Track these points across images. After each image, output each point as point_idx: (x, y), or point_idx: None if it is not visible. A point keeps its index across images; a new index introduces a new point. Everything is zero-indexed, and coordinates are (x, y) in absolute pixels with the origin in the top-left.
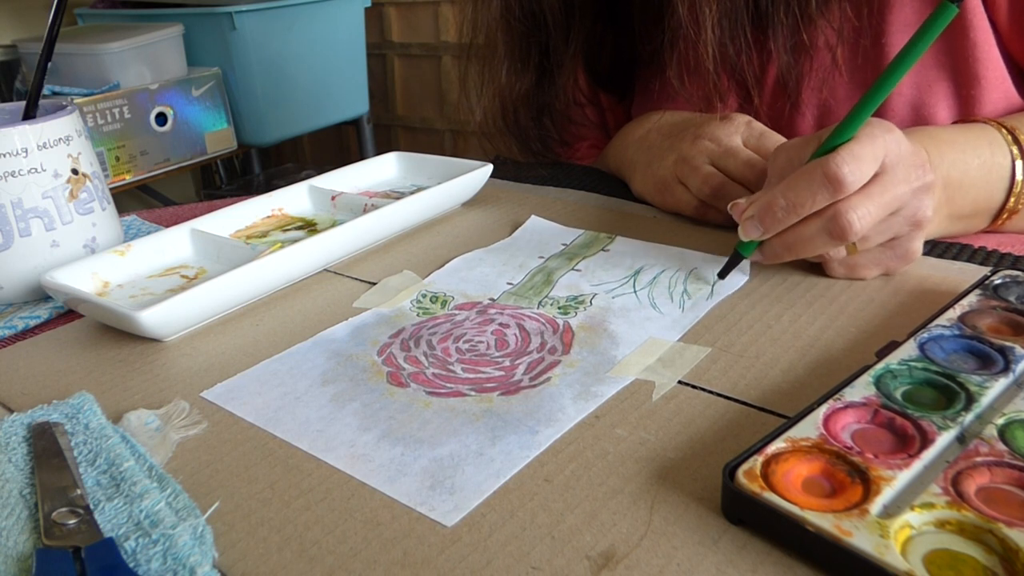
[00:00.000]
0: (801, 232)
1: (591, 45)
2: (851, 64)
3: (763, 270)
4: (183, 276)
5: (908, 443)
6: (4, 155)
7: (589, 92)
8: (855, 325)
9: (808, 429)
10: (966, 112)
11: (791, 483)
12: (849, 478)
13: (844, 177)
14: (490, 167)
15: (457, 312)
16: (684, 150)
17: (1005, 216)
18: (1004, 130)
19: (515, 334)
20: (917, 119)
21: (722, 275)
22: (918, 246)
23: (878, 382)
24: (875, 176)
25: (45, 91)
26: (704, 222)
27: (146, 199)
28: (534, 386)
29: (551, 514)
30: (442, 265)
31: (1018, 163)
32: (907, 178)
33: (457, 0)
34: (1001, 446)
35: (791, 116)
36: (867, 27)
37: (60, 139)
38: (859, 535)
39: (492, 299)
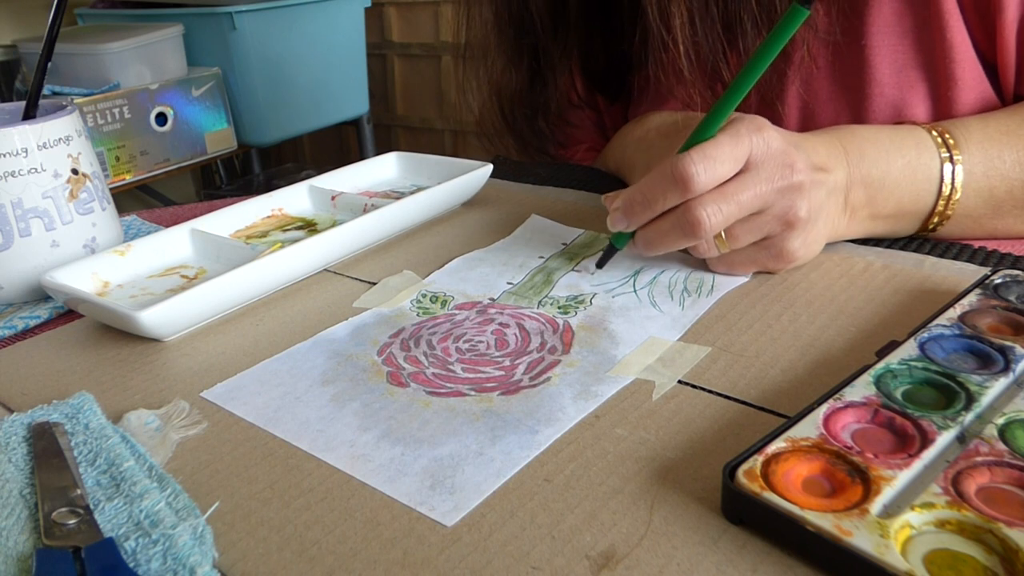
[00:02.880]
0: (659, 227)
1: (584, 47)
2: (832, 66)
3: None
4: (183, 276)
5: (908, 443)
6: (4, 155)
7: (585, 94)
8: (855, 325)
9: (808, 429)
10: (944, 113)
11: (791, 483)
12: (849, 478)
13: (692, 176)
14: (490, 167)
15: (457, 312)
16: None
17: (936, 221)
18: (935, 132)
19: (515, 334)
20: (898, 119)
21: (599, 265)
22: (794, 246)
23: (878, 382)
24: (737, 174)
25: (45, 91)
26: None
27: (146, 199)
28: (534, 386)
29: (551, 514)
30: (442, 265)
31: (947, 167)
32: (771, 177)
33: (454, 1)
34: (1001, 446)
35: (773, 118)
36: (847, 28)
37: (60, 139)
38: (859, 535)
39: (492, 299)
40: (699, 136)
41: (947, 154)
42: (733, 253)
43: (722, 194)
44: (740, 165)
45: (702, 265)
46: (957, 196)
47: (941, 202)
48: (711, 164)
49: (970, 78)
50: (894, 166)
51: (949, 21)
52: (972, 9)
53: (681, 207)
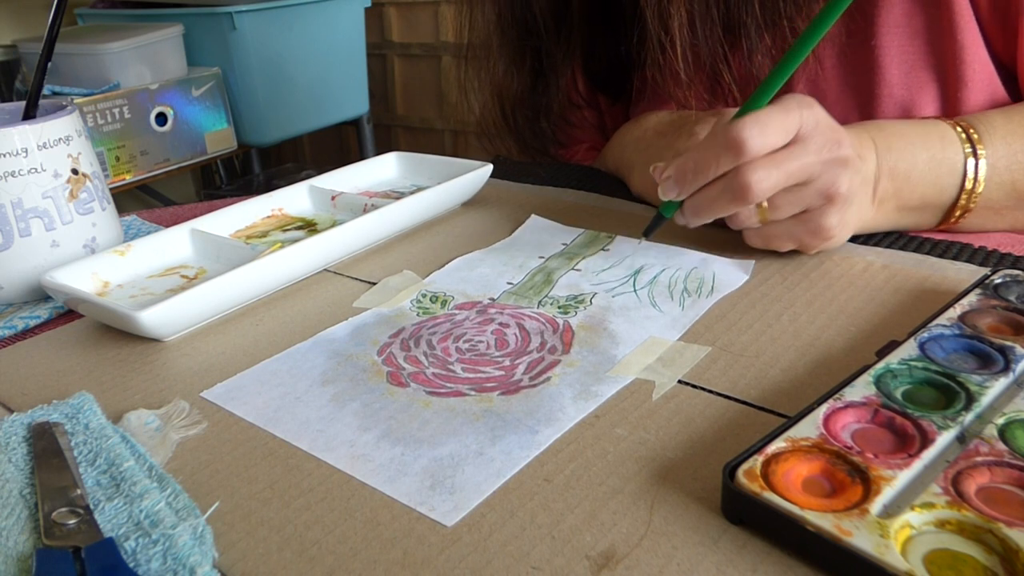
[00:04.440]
0: (708, 193)
1: (586, 48)
2: (840, 66)
3: (762, 269)
4: (183, 276)
5: (908, 443)
6: (4, 155)
7: (587, 94)
8: (855, 325)
9: (808, 429)
10: (953, 114)
11: (791, 483)
12: (849, 478)
13: (745, 141)
14: (490, 167)
15: (457, 312)
16: (680, 148)
17: (959, 214)
18: (959, 128)
19: (515, 334)
20: (904, 119)
21: (646, 234)
22: (832, 222)
23: (878, 382)
24: (786, 145)
25: (45, 91)
26: None
27: (146, 199)
28: (534, 386)
29: (551, 514)
30: (442, 265)
31: (970, 161)
32: (818, 150)
33: (456, 1)
34: (1001, 446)
35: None
36: (856, 29)
37: (60, 139)
38: (859, 535)
39: (492, 299)
40: (750, 108)
41: (971, 149)
42: (771, 226)
43: (772, 161)
44: (790, 136)
45: (702, 264)
46: (980, 189)
47: (964, 195)
48: (763, 130)
49: (980, 79)
50: (920, 159)
51: (960, 22)
52: (990, 10)
53: (731, 172)
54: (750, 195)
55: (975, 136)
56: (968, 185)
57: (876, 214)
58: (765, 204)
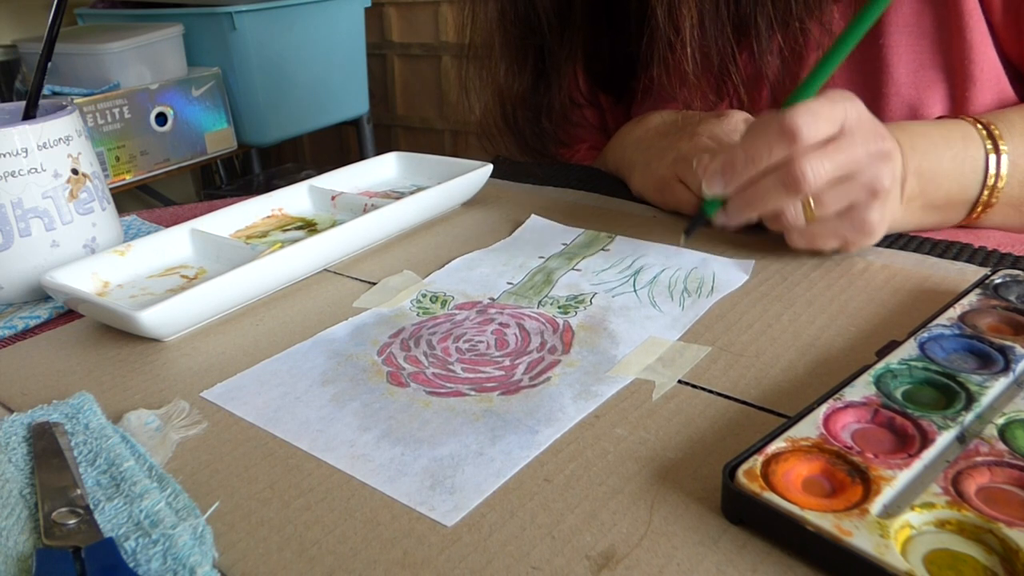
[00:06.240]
0: (759, 186)
1: (589, 46)
2: (849, 66)
3: (762, 269)
4: (183, 276)
5: (908, 443)
6: (4, 155)
7: (589, 93)
8: (855, 325)
9: (808, 429)
10: (959, 113)
11: (791, 483)
12: (849, 478)
13: (799, 128)
14: (490, 167)
15: (457, 312)
16: (682, 148)
17: (980, 209)
18: (979, 125)
19: (515, 334)
20: (914, 119)
21: (687, 233)
22: (876, 218)
23: (878, 382)
24: (833, 137)
25: (45, 91)
26: None
27: (146, 199)
28: (534, 386)
29: (551, 514)
30: (442, 265)
31: (991, 157)
32: (864, 141)
33: (456, 0)
34: (1001, 446)
35: None
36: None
37: (60, 139)
38: (859, 535)
39: (492, 299)
40: (798, 98)
41: (992, 145)
42: (816, 225)
43: (823, 152)
44: (838, 127)
45: (702, 264)
46: (1002, 184)
47: (986, 191)
48: (814, 119)
49: (988, 78)
50: (944, 158)
51: (969, 22)
52: (1002, 10)
53: (783, 163)
54: (804, 185)
55: (996, 132)
56: (991, 181)
57: (904, 213)
58: (811, 202)
